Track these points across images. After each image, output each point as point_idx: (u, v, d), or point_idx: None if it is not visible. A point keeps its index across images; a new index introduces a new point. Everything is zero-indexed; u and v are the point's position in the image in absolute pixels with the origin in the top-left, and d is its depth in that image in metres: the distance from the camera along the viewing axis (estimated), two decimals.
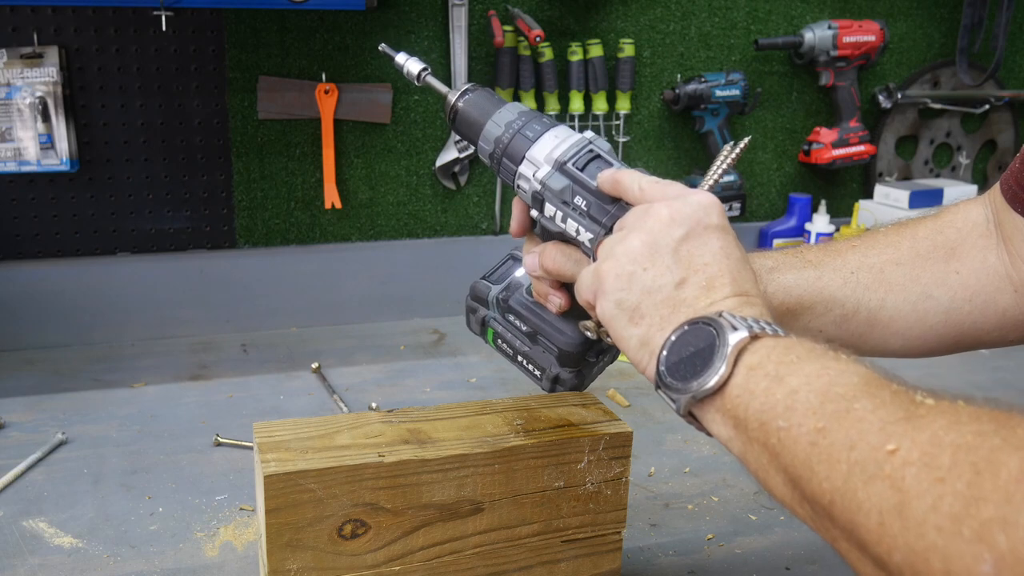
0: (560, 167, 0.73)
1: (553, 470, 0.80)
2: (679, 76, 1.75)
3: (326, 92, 1.56)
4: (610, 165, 0.73)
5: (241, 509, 1.01)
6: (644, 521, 1.00)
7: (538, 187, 0.74)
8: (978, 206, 0.85)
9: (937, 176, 2.02)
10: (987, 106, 1.97)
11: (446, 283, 1.69)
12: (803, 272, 0.81)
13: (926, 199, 1.84)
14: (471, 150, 1.65)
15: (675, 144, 1.79)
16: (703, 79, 1.71)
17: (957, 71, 1.93)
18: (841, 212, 1.91)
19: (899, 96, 1.88)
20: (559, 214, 0.74)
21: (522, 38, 1.60)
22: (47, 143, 1.44)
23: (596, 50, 1.65)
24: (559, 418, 0.84)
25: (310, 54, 1.55)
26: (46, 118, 1.43)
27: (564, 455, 0.80)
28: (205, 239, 1.58)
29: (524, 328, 0.84)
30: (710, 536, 0.97)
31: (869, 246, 0.84)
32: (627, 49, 1.67)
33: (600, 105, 1.67)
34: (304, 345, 1.53)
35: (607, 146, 0.76)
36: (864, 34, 1.78)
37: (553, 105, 1.65)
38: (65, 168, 1.46)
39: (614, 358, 0.86)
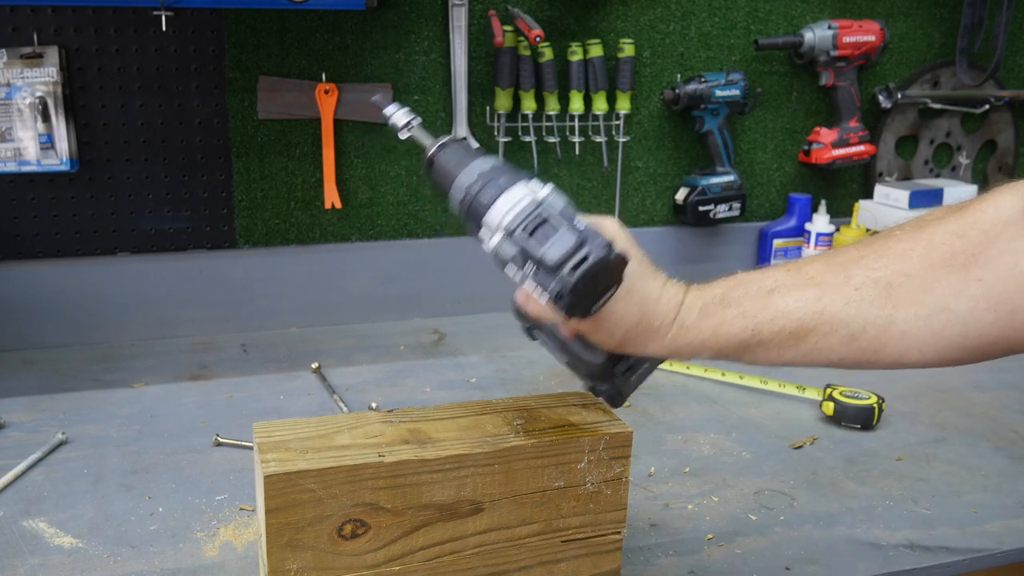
0: (509, 235, 0.74)
1: (553, 470, 0.80)
2: (679, 76, 1.75)
3: (326, 92, 1.56)
4: (556, 230, 0.73)
5: (241, 509, 1.01)
6: (644, 521, 1.00)
7: (495, 250, 0.75)
8: (1012, 196, 0.76)
9: (937, 176, 2.02)
10: (987, 106, 1.97)
11: (446, 283, 1.69)
12: (804, 292, 0.77)
13: (926, 199, 1.84)
14: None
15: (675, 144, 1.79)
16: (703, 79, 1.71)
17: (957, 71, 1.93)
18: (841, 212, 1.91)
19: (899, 96, 1.88)
20: (517, 275, 0.75)
21: (522, 38, 1.60)
22: (47, 143, 1.44)
23: (596, 50, 1.65)
24: (559, 418, 0.84)
25: (310, 54, 1.55)
26: (46, 118, 1.43)
27: (564, 455, 0.80)
28: (205, 239, 1.58)
29: (557, 347, 0.85)
30: (710, 536, 0.97)
31: (877, 256, 0.78)
32: (627, 49, 1.67)
33: (600, 105, 1.67)
34: (304, 345, 1.53)
35: (561, 204, 0.75)
36: (864, 34, 1.78)
37: (553, 105, 1.65)
38: (65, 168, 1.46)
39: (651, 369, 0.87)
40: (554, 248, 0.71)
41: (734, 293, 0.78)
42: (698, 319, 0.78)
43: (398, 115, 0.83)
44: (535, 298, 0.76)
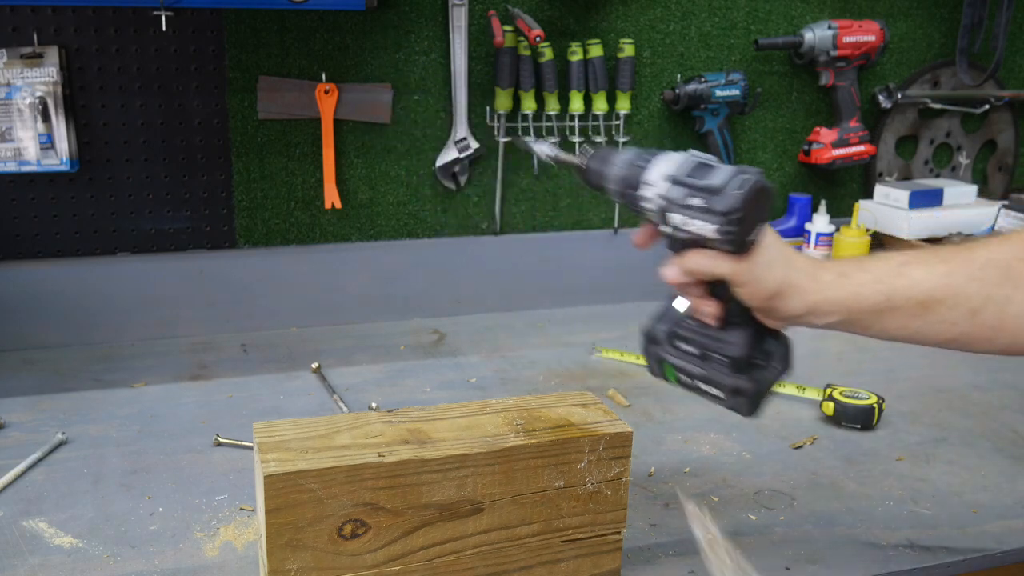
0: (674, 180, 0.84)
1: (553, 470, 0.80)
2: (679, 76, 1.75)
3: (326, 92, 1.56)
4: (714, 166, 0.83)
5: (241, 509, 1.01)
6: (644, 521, 1.00)
7: (661, 201, 0.84)
8: None
9: (937, 176, 2.02)
10: (987, 106, 1.97)
11: (446, 283, 1.69)
12: (933, 267, 0.83)
13: (926, 199, 1.84)
14: (471, 150, 1.65)
15: (675, 144, 1.79)
16: (703, 79, 1.71)
17: (957, 71, 1.93)
18: (841, 212, 1.91)
19: (899, 96, 1.88)
20: (682, 218, 0.83)
21: (522, 38, 1.60)
22: (47, 143, 1.44)
23: (596, 50, 1.65)
24: (559, 418, 0.84)
25: (310, 54, 1.55)
26: (46, 118, 1.43)
27: (564, 455, 0.80)
28: (205, 239, 1.58)
29: (695, 351, 0.91)
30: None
31: (1001, 242, 0.85)
32: (627, 49, 1.67)
33: (600, 105, 1.67)
34: (304, 345, 1.53)
35: (710, 156, 0.86)
36: (864, 34, 1.78)
37: (553, 105, 1.65)
38: (65, 168, 1.46)
39: (784, 367, 0.93)
40: (718, 175, 0.81)
41: (868, 263, 0.86)
42: (837, 278, 0.85)
43: (543, 148, 0.94)
44: (697, 230, 0.83)
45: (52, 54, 1.42)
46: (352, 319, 1.64)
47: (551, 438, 0.80)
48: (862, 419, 1.23)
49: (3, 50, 1.41)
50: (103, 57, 1.46)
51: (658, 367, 0.95)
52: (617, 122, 1.71)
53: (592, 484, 0.82)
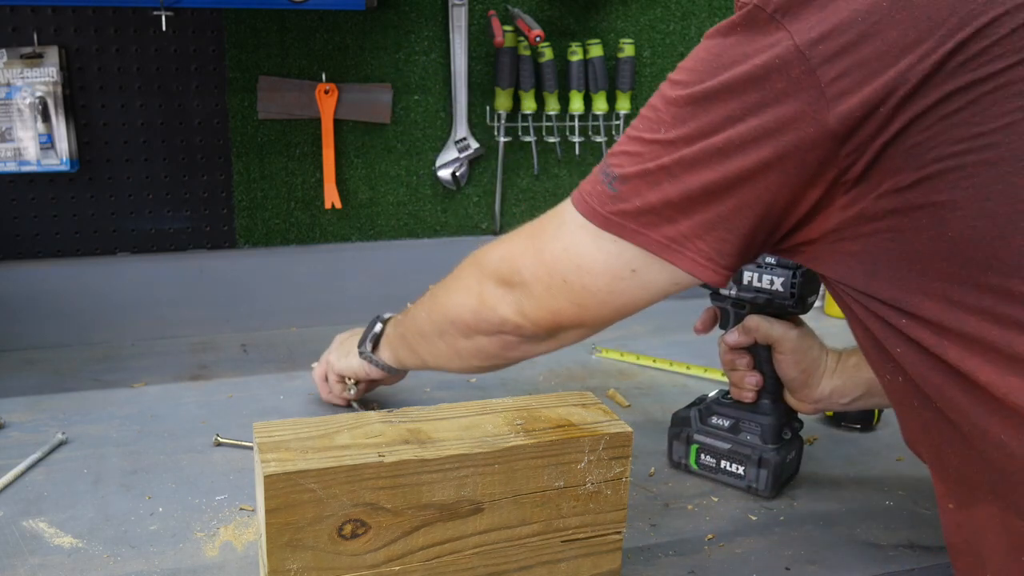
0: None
1: (553, 470, 0.80)
2: None
3: (326, 92, 1.56)
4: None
5: (241, 509, 1.01)
6: (644, 521, 1.00)
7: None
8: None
9: None
10: None
11: None
12: None
13: None
14: (471, 150, 1.65)
15: None
16: None
17: None
18: None
19: None
20: (753, 275, 1.02)
21: (522, 38, 1.60)
22: (47, 143, 1.44)
23: (596, 50, 1.65)
24: (559, 418, 0.84)
25: (310, 54, 1.55)
26: (46, 118, 1.43)
27: (564, 455, 0.80)
28: (205, 239, 1.58)
29: (726, 424, 1.07)
30: (710, 536, 0.97)
31: None
32: (627, 49, 1.67)
33: (600, 105, 1.67)
34: (304, 345, 1.53)
35: None
36: None
37: (553, 105, 1.65)
38: (65, 168, 1.46)
39: (799, 456, 1.09)
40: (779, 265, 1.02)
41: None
42: (860, 360, 1.01)
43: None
44: (766, 285, 1.02)
45: (52, 54, 1.42)
46: (352, 319, 1.64)
47: (551, 438, 0.80)
48: (862, 419, 1.23)
49: (3, 50, 1.41)
50: (103, 57, 1.46)
51: (684, 450, 1.09)
52: (617, 122, 1.71)
53: (592, 484, 0.82)
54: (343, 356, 1.20)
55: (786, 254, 0.78)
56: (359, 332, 1.19)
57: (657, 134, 0.73)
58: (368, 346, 1.15)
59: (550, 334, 0.86)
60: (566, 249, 0.79)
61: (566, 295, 0.81)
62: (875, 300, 0.73)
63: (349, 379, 1.20)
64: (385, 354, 1.14)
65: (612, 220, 0.75)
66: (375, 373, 1.16)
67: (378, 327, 1.15)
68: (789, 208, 0.71)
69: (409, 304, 1.07)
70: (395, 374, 1.17)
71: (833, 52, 0.65)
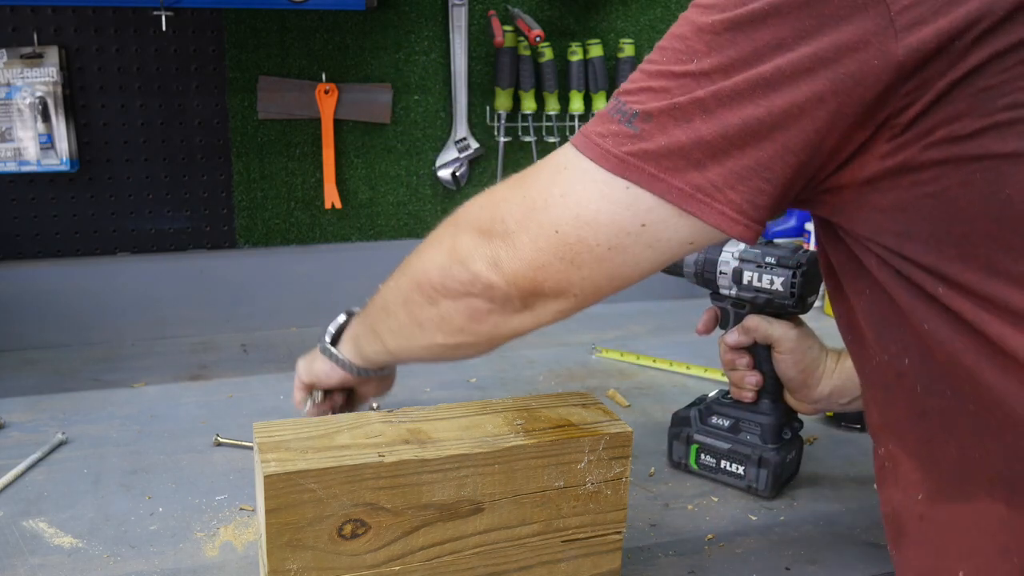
0: (748, 247, 1.04)
1: (553, 470, 0.80)
2: None
3: (326, 92, 1.56)
4: (778, 246, 1.03)
5: (241, 509, 1.01)
6: (644, 521, 1.00)
7: (735, 263, 1.03)
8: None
9: None
10: None
11: None
12: None
13: None
14: (471, 150, 1.65)
15: None
16: None
17: None
18: None
19: None
20: (753, 275, 1.02)
21: (522, 38, 1.60)
22: (47, 143, 1.44)
23: (596, 50, 1.65)
24: (559, 418, 0.84)
25: (310, 54, 1.55)
26: (46, 118, 1.43)
27: (564, 455, 0.80)
28: (205, 239, 1.58)
29: (726, 424, 1.07)
30: (710, 536, 0.97)
31: None
32: (627, 49, 1.67)
33: (600, 105, 1.67)
34: (304, 345, 1.52)
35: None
36: None
37: (553, 105, 1.65)
38: (65, 168, 1.46)
39: (798, 456, 1.09)
40: (783, 249, 1.02)
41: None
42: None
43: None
44: (766, 284, 1.01)
45: (52, 54, 1.42)
46: None
47: (551, 438, 0.80)
48: (862, 419, 1.23)
49: (3, 50, 1.41)
50: (103, 57, 1.46)
51: (684, 450, 1.09)
52: None
53: (592, 484, 0.82)
54: (309, 360, 1.04)
55: (802, 204, 0.70)
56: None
57: (688, 65, 0.63)
58: (326, 339, 0.98)
59: (526, 301, 0.73)
60: (564, 195, 0.68)
61: (555, 249, 0.69)
62: (908, 262, 0.64)
63: (315, 389, 1.04)
64: (346, 348, 0.98)
65: (629, 162, 0.65)
66: (336, 376, 1.00)
67: (342, 318, 1.00)
68: (833, 152, 0.63)
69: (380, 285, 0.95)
70: (362, 376, 1.00)
71: None
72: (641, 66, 0.68)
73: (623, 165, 0.65)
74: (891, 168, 0.62)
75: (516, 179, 0.74)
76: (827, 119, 0.60)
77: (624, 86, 0.68)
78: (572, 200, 0.68)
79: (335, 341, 1.00)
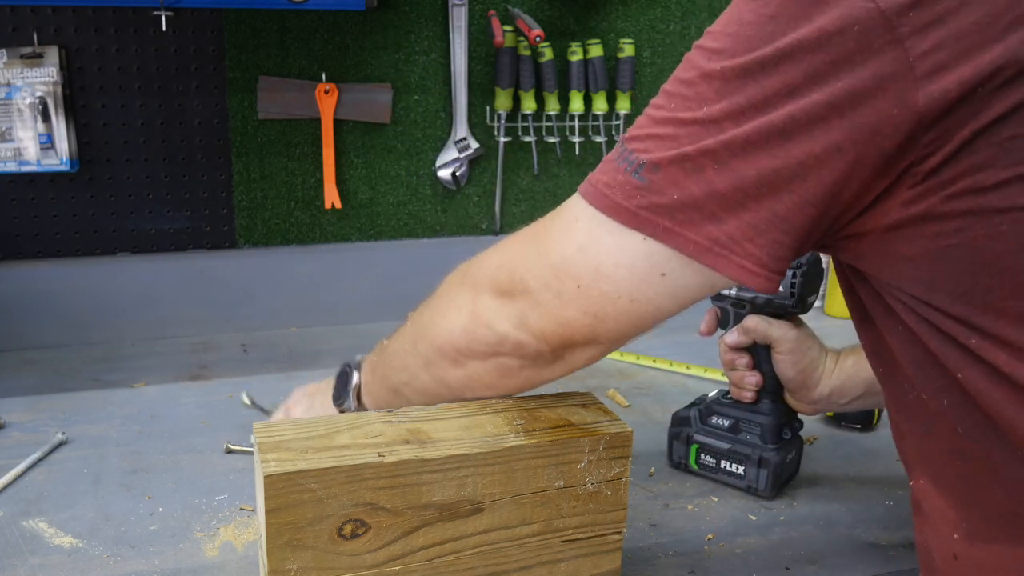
0: None
1: (553, 470, 0.80)
2: None
3: (326, 92, 1.56)
4: None
5: (241, 509, 1.01)
6: (644, 521, 1.00)
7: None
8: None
9: None
10: None
11: None
12: None
13: None
14: (471, 150, 1.65)
15: None
16: None
17: None
18: None
19: None
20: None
21: (522, 38, 1.60)
22: (47, 143, 1.44)
23: (596, 50, 1.65)
24: (559, 418, 0.84)
25: (310, 54, 1.55)
26: (46, 118, 1.43)
27: (564, 455, 0.80)
28: (205, 239, 1.58)
29: (726, 424, 1.07)
30: (710, 536, 0.97)
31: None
32: (627, 49, 1.67)
33: (600, 105, 1.67)
34: (304, 345, 1.53)
35: None
36: None
37: (553, 105, 1.65)
38: (65, 168, 1.46)
39: (798, 456, 1.09)
40: None
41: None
42: (857, 359, 1.00)
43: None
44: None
45: (52, 54, 1.42)
46: (352, 319, 1.64)
47: (551, 438, 0.80)
48: (862, 419, 1.23)
49: (3, 50, 1.41)
50: (103, 57, 1.46)
51: (684, 450, 1.09)
52: (617, 122, 1.71)
53: (592, 484, 0.82)
54: (310, 400, 0.98)
55: (823, 249, 0.68)
56: (324, 385, 0.97)
57: (696, 112, 0.61)
58: (352, 402, 0.91)
59: (557, 354, 0.74)
60: (581, 249, 0.67)
61: (580, 303, 0.68)
62: (939, 312, 0.62)
63: None
64: (369, 404, 0.92)
65: (641, 216, 0.63)
66: None
67: (355, 378, 0.92)
68: (854, 201, 0.60)
69: (384, 340, 0.90)
70: None
71: (927, 21, 0.55)
72: (647, 111, 0.65)
73: (636, 218, 0.63)
74: (914, 216, 0.59)
75: (528, 234, 0.73)
76: (846, 169, 0.58)
77: (631, 131, 0.66)
78: (590, 253, 0.67)
79: (342, 395, 0.93)
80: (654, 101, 0.65)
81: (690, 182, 0.61)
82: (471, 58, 1.62)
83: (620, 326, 0.69)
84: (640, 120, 0.66)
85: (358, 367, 0.92)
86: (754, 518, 1.01)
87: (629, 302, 0.67)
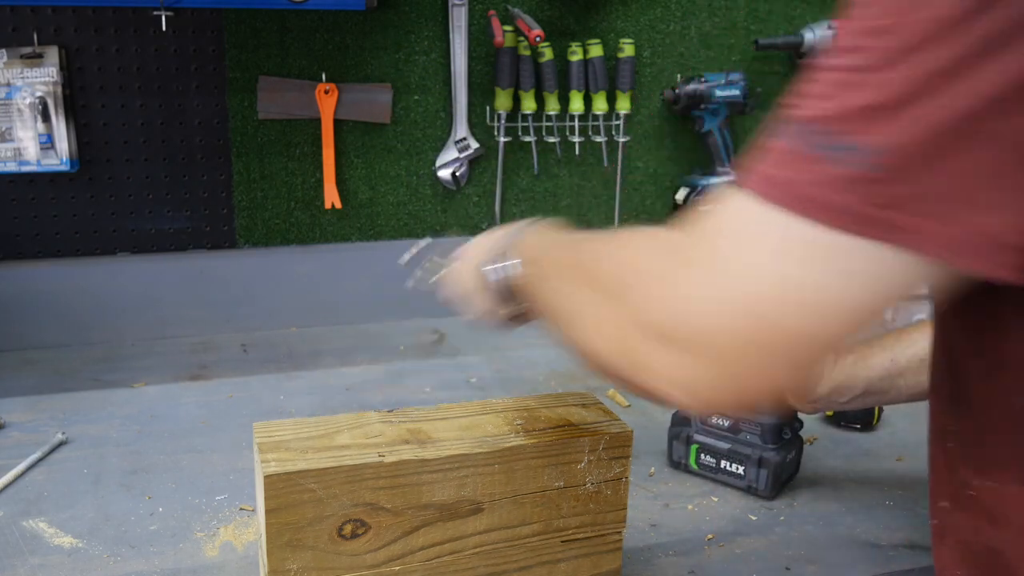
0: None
1: (553, 470, 0.80)
2: (679, 76, 1.75)
3: (326, 92, 1.56)
4: None
5: (241, 509, 1.01)
6: (644, 521, 1.00)
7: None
8: None
9: None
10: None
11: None
12: (924, 330, 0.96)
13: None
14: (471, 150, 1.65)
15: (675, 144, 1.79)
16: (703, 79, 1.71)
17: None
18: None
19: None
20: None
21: (522, 38, 1.60)
22: (47, 143, 1.44)
23: (596, 50, 1.65)
24: (559, 418, 0.84)
25: (310, 54, 1.55)
26: (46, 118, 1.43)
27: (564, 455, 0.80)
28: (205, 239, 1.58)
29: (726, 424, 1.07)
30: (710, 536, 0.97)
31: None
32: (627, 49, 1.67)
33: (600, 105, 1.67)
34: (304, 345, 1.53)
35: None
36: None
37: (553, 105, 1.65)
38: (65, 168, 1.46)
39: (798, 456, 1.09)
40: None
41: (875, 339, 0.99)
42: (856, 359, 0.99)
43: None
44: None
45: (52, 54, 1.42)
46: (352, 319, 1.64)
47: (551, 438, 0.80)
48: (862, 419, 1.23)
49: (3, 50, 1.41)
50: (103, 57, 1.46)
51: (684, 450, 1.09)
52: (617, 122, 1.71)
53: (592, 484, 0.82)
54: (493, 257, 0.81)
55: None
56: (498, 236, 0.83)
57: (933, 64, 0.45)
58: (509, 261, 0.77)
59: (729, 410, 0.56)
60: (784, 279, 0.49)
61: (776, 358, 0.50)
62: None
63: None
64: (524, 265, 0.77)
65: (879, 219, 0.46)
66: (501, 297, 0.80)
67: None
68: None
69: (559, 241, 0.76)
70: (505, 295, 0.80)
71: None
72: (831, 75, 0.50)
73: (874, 223, 0.47)
74: None
75: (691, 249, 0.54)
76: None
77: (811, 111, 0.50)
78: (795, 283, 0.49)
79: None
80: (834, 63, 0.50)
81: (955, 159, 0.46)
82: (471, 58, 1.62)
83: (812, 374, 0.54)
84: (810, 92, 0.51)
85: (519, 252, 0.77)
86: (754, 518, 1.02)
87: (845, 339, 0.51)
